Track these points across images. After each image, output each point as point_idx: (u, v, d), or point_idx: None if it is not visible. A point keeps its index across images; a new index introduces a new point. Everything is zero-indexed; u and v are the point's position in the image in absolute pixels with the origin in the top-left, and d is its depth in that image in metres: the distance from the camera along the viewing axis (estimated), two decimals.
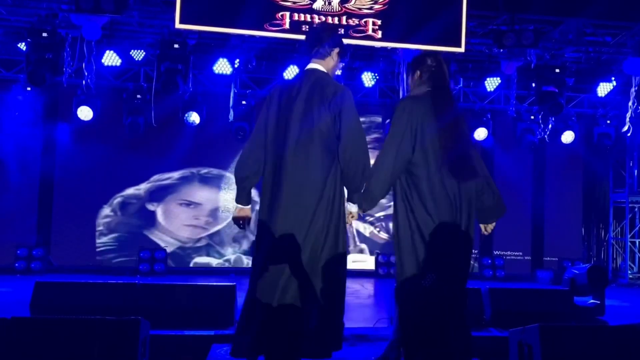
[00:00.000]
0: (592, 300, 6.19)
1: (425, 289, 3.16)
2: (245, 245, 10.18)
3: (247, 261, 10.11)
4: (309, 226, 3.21)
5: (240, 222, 3.50)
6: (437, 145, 3.21)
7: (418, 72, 3.46)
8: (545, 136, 10.05)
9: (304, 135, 3.24)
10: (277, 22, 7.31)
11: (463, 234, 3.25)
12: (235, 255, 10.18)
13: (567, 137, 10.24)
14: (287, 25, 7.33)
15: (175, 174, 10.19)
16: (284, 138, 3.27)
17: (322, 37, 3.44)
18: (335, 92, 3.30)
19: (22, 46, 8.16)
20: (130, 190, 10.03)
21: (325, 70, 3.43)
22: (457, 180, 3.22)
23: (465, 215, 3.26)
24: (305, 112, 3.27)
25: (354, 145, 3.26)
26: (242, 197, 3.46)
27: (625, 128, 9.55)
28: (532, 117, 10.21)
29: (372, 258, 10.44)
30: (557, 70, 8.72)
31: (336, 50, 3.45)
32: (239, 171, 3.41)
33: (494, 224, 3.69)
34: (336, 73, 3.87)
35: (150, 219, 10.05)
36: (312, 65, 3.44)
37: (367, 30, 7.52)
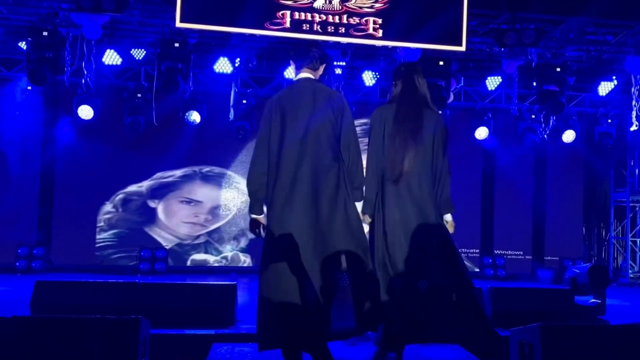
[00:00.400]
0: (593, 300, 6.18)
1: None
2: (244, 243, 10.18)
3: (244, 259, 10.13)
4: (328, 220, 3.44)
5: (257, 230, 3.68)
6: (389, 151, 3.73)
7: (394, 82, 3.94)
8: (546, 135, 10.03)
9: (313, 133, 3.52)
10: (278, 21, 7.30)
11: (415, 228, 3.72)
12: (232, 252, 10.18)
13: (568, 136, 10.22)
14: (287, 24, 7.31)
15: (178, 172, 10.20)
16: (295, 138, 3.52)
17: (314, 53, 3.72)
18: (336, 95, 3.67)
19: (23, 45, 8.15)
20: (132, 187, 10.04)
21: (317, 80, 3.73)
22: (393, 181, 3.71)
23: (414, 209, 3.75)
24: (313, 112, 3.55)
25: (354, 142, 3.61)
26: (257, 208, 3.67)
27: (634, 127, 9.49)
28: (533, 116, 10.21)
29: None
30: (558, 69, 8.71)
31: (323, 65, 3.77)
32: (251, 185, 3.62)
33: (450, 217, 4.06)
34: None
35: (150, 216, 10.06)
36: (305, 75, 3.70)
37: (368, 29, 7.51)
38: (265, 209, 3.62)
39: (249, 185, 3.64)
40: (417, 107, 3.79)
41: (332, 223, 3.43)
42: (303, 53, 3.72)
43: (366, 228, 3.72)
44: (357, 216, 3.56)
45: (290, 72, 8.85)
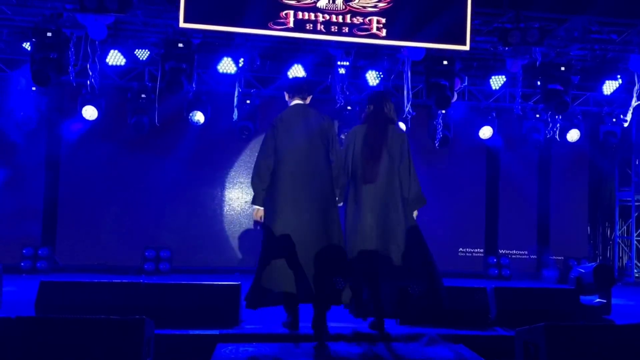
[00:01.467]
0: (598, 300, 6.16)
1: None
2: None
3: (248, 259, 10.08)
4: (322, 212, 4.56)
5: (259, 217, 4.66)
6: (362, 158, 4.79)
7: (367, 105, 5.03)
8: (551, 134, 10.00)
9: (314, 150, 4.64)
10: (282, 20, 7.30)
11: (382, 216, 4.77)
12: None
13: (573, 135, 10.19)
14: (291, 24, 7.31)
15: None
16: (294, 146, 4.58)
17: (305, 88, 4.94)
18: (325, 117, 4.82)
19: (27, 46, 8.16)
20: (137, 188, 10.02)
21: (309, 105, 4.88)
22: (364, 183, 4.76)
23: (385, 205, 4.76)
24: (311, 129, 4.65)
25: (339, 150, 4.79)
26: (260, 200, 4.67)
27: (626, 124, 9.49)
28: (538, 116, 10.18)
29: None
30: (563, 68, 8.68)
31: (310, 96, 4.95)
32: (258, 183, 4.66)
33: (416, 212, 5.04)
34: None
35: (155, 216, 10.05)
36: (299, 102, 4.87)
37: (372, 28, 7.50)
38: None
39: (257, 180, 4.63)
40: (383, 126, 4.86)
41: (322, 212, 4.55)
42: (297, 89, 4.89)
43: None
44: (336, 208, 4.68)
45: (293, 73, 8.86)
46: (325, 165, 4.62)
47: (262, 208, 4.64)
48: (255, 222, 4.70)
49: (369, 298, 4.70)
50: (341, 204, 4.83)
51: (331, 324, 4.78)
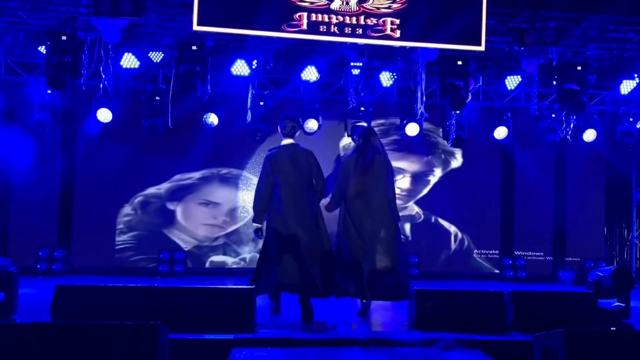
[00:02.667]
0: (616, 303, 6.08)
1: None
2: (261, 244, 10.15)
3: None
4: (313, 219, 5.96)
5: (259, 233, 6.10)
6: (353, 182, 6.00)
7: (358, 138, 6.30)
8: (567, 135, 9.89)
9: (303, 177, 6.01)
10: (295, 22, 7.27)
11: (370, 223, 5.97)
12: (251, 254, 10.18)
13: (589, 135, 10.08)
14: (304, 26, 7.28)
15: (196, 174, 10.22)
16: (292, 178, 5.96)
17: (295, 126, 6.18)
18: (311, 153, 6.12)
19: (43, 49, 8.21)
20: (151, 190, 10.08)
21: (296, 143, 6.13)
22: (356, 199, 5.98)
23: (372, 217, 5.96)
24: (299, 164, 6.00)
25: (321, 177, 6.14)
26: (260, 219, 6.06)
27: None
28: (554, 115, 10.07)
29: None
30: (579, 68, 8.58)
31: (299, 131, 6.31)
32: (258, 205, 6.04)
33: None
34: None
35: (169, 218, 10.09)
36: (290, 141, 6.12)
37: (386, 29, 7.45)
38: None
39: (256, 206, 6.05)
40: (370, 156, 6.06)
41: (313, 219, 5.95)
42: (289, 126, 6.14)
43: None
44: (322, 216, 6.04)
45: (306, 75, 8.84)
46: (311, 187, 6.04)
47: (260, 225, 6.04)
48: (255, 233, 6.12)
49: (358, 286, 5.84)
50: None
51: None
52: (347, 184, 6.03)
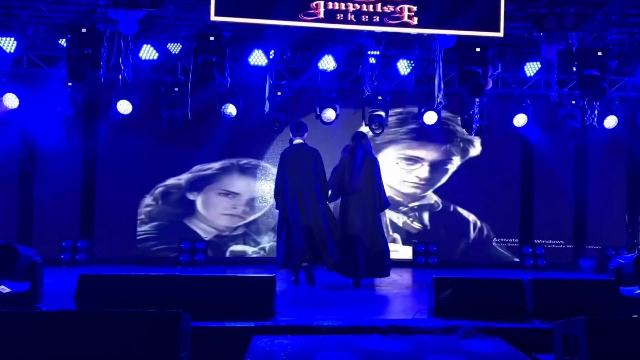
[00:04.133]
0: (639, 291, 6.03)
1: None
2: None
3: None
4: (311, 206, 7.32)
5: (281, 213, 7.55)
6: (348, 177, 7.37)
7: (351, 141, 7.59)
8: (591, 122, 9.76)
9: (307, 170, 7.36)
10: (312, 11, 7.26)
11: (362, 213, 7.39)
12: (270, 244, 10.24)
13: (610, 121, 9.95)
14: (321, 15, 7.27)
15: (216, 165, 10.29)
16: (300, 174, 7.36)
17: (300, 127, 7.63)
18: (315, 151, 7.52)
19: (63, 42, 8.29)
20: (171, 180, 10.17)
21: (305, 142, 7.59)
22: (350, 194, 7.41)
23: (363, 208, 7.37)
24: (303, 160, 7.41)
25: (323, 174, 7.45)
26: (278, 205, 7.67)
27: None
28: (574, 102, 9.95)
29: (405, 247, 10.39)
30: (600, 53, 8.46)
31: (307, 132, 7.67)
32: (276, 197, 7.70)
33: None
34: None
35: (190, 208, 10.19)
36: (299, 141, 7.59)
37: (403, 17, 7.41)
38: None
39: (275, 197, 7.74)
40: (361, 156, 7.42)
41: (315, 205, 7.31)
42: (297, 130, 7.62)
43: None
44: (322, 204, 7.38)
45: (324, 64, 8.82)
46: (313, 179, 7.35)
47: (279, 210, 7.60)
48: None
49: (352, 265, 7.24)
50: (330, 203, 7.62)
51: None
52: (344, 180, 7.37)
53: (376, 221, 7.40)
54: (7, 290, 5.53)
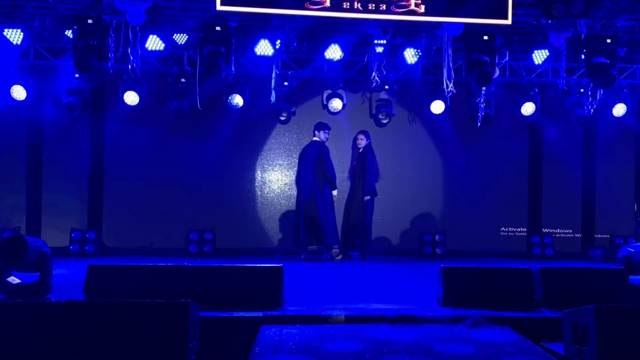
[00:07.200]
0: None
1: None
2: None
3: (289, 240, 10.10)
4: (320, 189, 9.00)
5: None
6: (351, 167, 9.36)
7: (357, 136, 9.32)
8: (596, 110, 9.68)
9: (313, 164, 8.99)
10: (318, 0, 7.23)
11: (354, 196, 9.26)
12: (278, 236, 10.26)
13: (619, 109, 9.88)
14: (328, 3, 7.24)
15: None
16: (303, 165, 9.07)
17: (317, 126, 9.17)
18: (323, 147, 9.05)
19: (70, 34, 8.29)
20: (179, 171, 10.15)
21: (320, 140, 9.12)
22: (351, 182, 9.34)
23: (355, 196, 9.18)
24: (311, 155, 9.02)
25: (326, 164, 8.98)
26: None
27: None
28: (582, 90, 9.87)
29: (411, 237, 10.37)
30: (609, 41, 8.38)
31: (323, 132, 9.15)
32: (297, 183, 9.31)
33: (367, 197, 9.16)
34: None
35: (198, 199, 10.17)
36: (315, 138, 9.14)
37: (410, 4, 7.37)
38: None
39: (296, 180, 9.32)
40: (355, 152, 9.23)
41: (322, 190, 8.96)
42: (316, 128, 9.18)
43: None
44: (323, 194, 9.01)
45: (330, 53, 8.77)
46: (318, 171, 8.95)
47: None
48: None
49: (346, 240, 9.20)
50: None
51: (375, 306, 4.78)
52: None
53: (364, 204, 9.06)
54: (17, 281, 5.56)
